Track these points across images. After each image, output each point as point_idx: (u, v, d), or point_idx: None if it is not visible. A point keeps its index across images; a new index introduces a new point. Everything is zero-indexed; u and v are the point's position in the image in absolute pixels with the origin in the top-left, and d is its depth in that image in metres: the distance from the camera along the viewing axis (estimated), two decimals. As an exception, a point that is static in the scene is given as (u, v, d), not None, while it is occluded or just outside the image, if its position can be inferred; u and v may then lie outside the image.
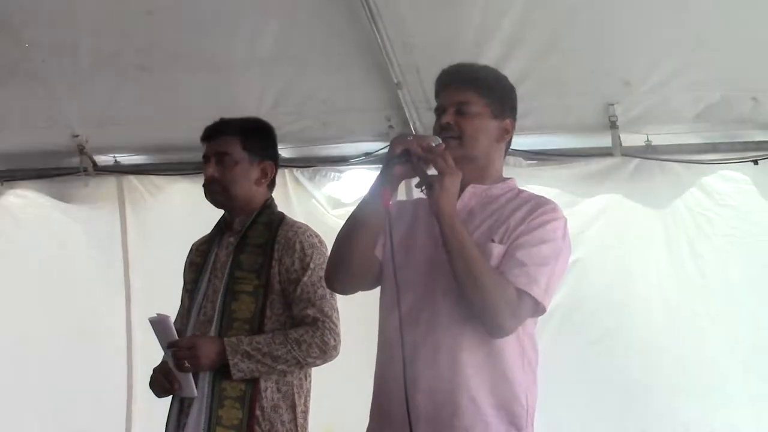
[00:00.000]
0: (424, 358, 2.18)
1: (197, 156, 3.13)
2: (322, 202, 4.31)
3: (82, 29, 3.93)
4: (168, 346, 2.85)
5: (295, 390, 2.87)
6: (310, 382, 2.94)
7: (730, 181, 3.89)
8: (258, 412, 2.79)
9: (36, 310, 4.56)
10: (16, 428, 4.54)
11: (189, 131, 3.45)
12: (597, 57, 3.66)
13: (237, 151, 2.96)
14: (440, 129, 2.29)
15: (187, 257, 3.15)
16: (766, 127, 3.81)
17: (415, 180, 2.21)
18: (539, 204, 2.28)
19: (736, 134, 3.88)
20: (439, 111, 2.33)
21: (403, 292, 2.19)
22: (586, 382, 3.93)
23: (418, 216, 2.33)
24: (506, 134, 2.37)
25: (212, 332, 2.85)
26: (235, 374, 2.76)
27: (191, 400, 2.82)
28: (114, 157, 4.61)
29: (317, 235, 2.97)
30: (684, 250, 3.92)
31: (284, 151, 3.96)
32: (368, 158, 4.23)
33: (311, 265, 2.86)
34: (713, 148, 3.91)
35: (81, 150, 4.47)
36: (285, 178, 4.19)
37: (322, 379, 3.01)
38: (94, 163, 4.56)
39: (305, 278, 2.85)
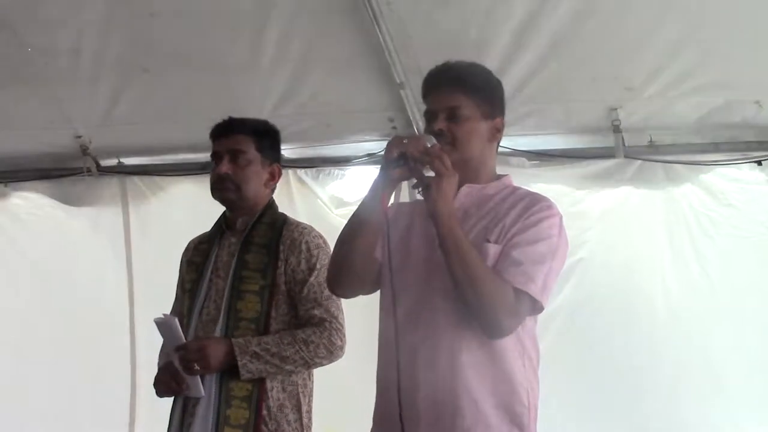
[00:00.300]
0: (423, 359, 2.18)
1: (200, 157, 3.12)
2: (326, 201, 4.32)
3: (85, 31, 3.93)
4: (176, 349, 2.83)
5: (300, 390, 2.87)
6: (313, 382, 2.94)
7: (733, 181, 3.90)
8: (264, 412, 2.78)
9: (39, 311, 4.56)
10: (18, 428, 4.53)
11: (192, 132, 3.46)
12: (599, 63, 3.66)
13: (251, 151, 2.95)
14: (432, 135, 2.26)
15: (184, 255, 3.11)
16: (769, 130, 3.82)
17: (413, 181, 2.21)
18: (534, 201, 2.26)
19: (738, 134, 3.88)
20: (429, 116, 2.31)
21: (402, 294, 2.19)
22: (589, 381, 3.94)
23: (416, 218, 2.33)
24: (497, 133, 2.35)
25: (217, 332, 2.84)
26: (243, 375, 2.76)
27: (196, 400, 2.81)
28: (117, 158, 4.60)
29: (321, 236, 2.96)
30: (687, 251, 3.92)
31: (288, 152, 3.95)
32: (371, 158, 4.23)
33: (318, 266, 2.86)
34: (716, 148, 3.91)
35: (84, 151, 4.46)
36: (288, 178, 4.19)
37: (324, 379, 3.01)
38: (98, 164, 4.55)
39: (312, 278, 2.85)
